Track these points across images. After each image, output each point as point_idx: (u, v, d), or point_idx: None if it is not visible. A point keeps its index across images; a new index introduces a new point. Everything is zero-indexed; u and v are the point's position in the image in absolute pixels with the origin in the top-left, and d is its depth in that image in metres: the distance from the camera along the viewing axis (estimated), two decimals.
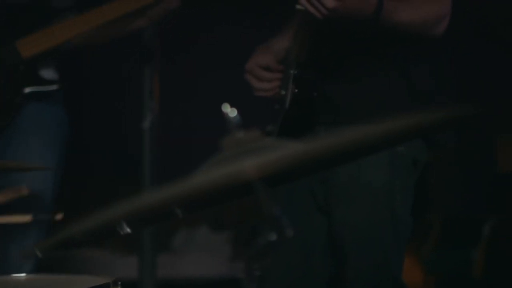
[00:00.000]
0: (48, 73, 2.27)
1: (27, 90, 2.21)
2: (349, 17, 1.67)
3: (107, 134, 3.72)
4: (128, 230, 1.17)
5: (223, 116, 1.11)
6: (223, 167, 1.07)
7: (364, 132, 1.22)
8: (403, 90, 1.83)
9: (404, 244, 1.87)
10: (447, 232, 3.79)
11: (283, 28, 2.02)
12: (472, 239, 3.76)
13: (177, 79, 3.47)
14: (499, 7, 4.37)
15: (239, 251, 3.98)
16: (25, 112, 2.23)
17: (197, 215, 3.68)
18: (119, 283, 1.40)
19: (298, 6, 1.68)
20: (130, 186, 3.13)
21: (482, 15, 4.26)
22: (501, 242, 3.75)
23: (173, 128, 3.44)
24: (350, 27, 1.75)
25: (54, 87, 2.28)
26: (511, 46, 4.47)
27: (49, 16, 2.25)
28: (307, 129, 1.87)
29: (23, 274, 1.56)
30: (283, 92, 1.87)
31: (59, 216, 1.93)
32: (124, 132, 3.43)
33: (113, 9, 2.19)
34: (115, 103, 3.66)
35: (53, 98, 2.29)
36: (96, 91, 3.71)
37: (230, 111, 1.10)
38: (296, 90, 1.85)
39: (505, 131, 4.16)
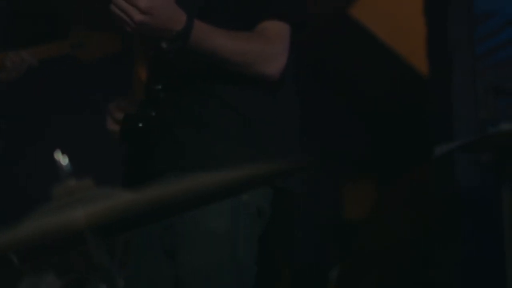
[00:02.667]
0: None
1: None
2: (157, 34, 1.69)
3: None
4: None
5: (55, 163, 1.08)
6: (53, 216, 1.04)
7: (205, 181, 1.23)
8: (247, 138, 1.86)
9: None
10: (295, 280, 3.86)
11: None
12: (320, 287, 3.84)
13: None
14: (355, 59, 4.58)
15: None
16: None
17: (42, 261, 3.54)
18: None
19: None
20: None
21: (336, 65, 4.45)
22: None
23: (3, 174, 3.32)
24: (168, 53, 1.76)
25: None
26: (363, 99, 4.67)
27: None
28: (154, 175, 1.86)
29: None
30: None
31: None
32: None
33: None
34: None
35: None
36: None
37: (62, 159, 1.07)
38: (140, 125, 1.85)
39: (350, 179, 4.33)
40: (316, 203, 3.91)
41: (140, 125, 1.85)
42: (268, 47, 1.80)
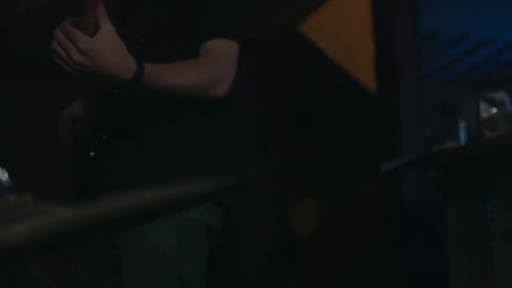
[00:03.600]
0: None
1: None
2: (103, 78, 1.66)
3: None
4: None
5: None
6: None
7: (149, 197, 1.21)
8: (195, 154, 1.85)
9: None
10: None
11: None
12: None
13: None
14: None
15: None
16: None
17: None
18: None
19: None
20: None
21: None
22: None
23: None
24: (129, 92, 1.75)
25: None
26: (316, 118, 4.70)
27: None
28: (101, 191, 1.84)
29: None
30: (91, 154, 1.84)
31: None
32: None
33: None
34: None
35: None
36: None
37: (1, 173, 1.05)
38: (92, 154, 1.83)
39: (299, 194, 4.35)
40: (265, 218, 3.91)
41: (92, 153, 1.83)
42: (216, 70, 1.79)
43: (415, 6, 3.93)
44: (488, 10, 5.13)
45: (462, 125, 3.20)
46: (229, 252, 3.63)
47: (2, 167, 1.04)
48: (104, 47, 1.62)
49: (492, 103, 2.70)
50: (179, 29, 1.85)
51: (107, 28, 1.63)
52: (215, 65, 1.79)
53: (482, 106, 2.71)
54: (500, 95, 2.69)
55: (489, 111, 2.69)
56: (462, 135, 3.18)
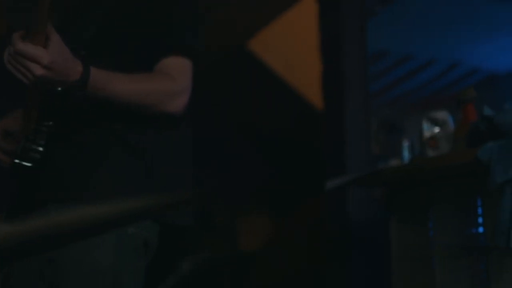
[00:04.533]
0: None
1: None
2: (56, 83, 1.66)
3: None
4: None
5: None
6: None
7: (89, 213, 1.20)
8: (137, 171, 1.84)
9: None
10: None
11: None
12: None
13: None
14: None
15: None
16: None
17: None
18: None
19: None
20: None
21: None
22: None
23: None
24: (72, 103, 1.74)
25: None
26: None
27: None
28: (39, 204, 1.81)
29: None
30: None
31: None
32: None
33: None
34: None
35: None
36: None
37: None
38: (29, 165, 1.80)
39: (246, 211, 4.35)
40: (211, 235, 3.90)
41: (29, 165, 1.80)
42: (171, 85, 1.80)
43: (362, 25, 3.98)
44: (434, 31, 5.24)
45: (406, 143, 3.26)
46: (168, 268, 3.60)
47: None
48: (60, 56, 1.63)
49: (434, 122, 2.75)
50: (134, 47, 1.84)
51: (55, 37, 1.63)
52: (172, 80, 1.80)
53: (425, 125, 2.75)
54: (443, 115, 2.74)
55: (431, 130, 2.74)
56: (406, 154, 3.23)
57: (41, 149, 1.79)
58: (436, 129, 2.74)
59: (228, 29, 4.75)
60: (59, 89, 1.69)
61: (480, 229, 2.43)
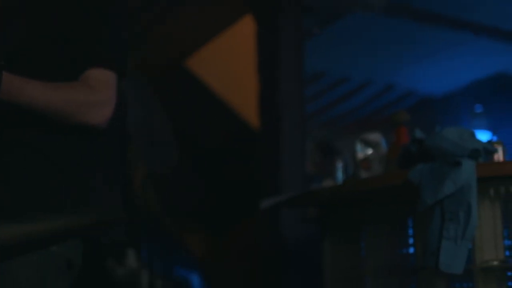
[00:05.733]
0: None
1: None
2: None
3: None
4: None
5: None
6: None
7: (11, 231, 1.17)
8: (59, 188, 1.79)
9: None
10: None
11: None
12: None
13: None
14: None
15: None
16: None
17: None
18: None
19: None
20: None
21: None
22: None
23: None
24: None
25: None
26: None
27: None
28: None
29: None
30: None
31: None
32: None
33: None
34: None
35: None
36: None
37: None
38: None
39: (182, 230, 4.32)
40: (146, 254, 3.85)
41: None
42: (92, 96, 1.77)
43: (299, 46, 4.02)
44: (370, 54, 5.34)
45: (340, 164, 3.29)
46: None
47: None
48: None
49: (368, 144, 2.78)
50: (51, 55, 1.81)
51: None
52: (93, 91, 1.77)
53: (359, 147, 2.79)
54: (376, 137, 2.78)
55: (364, 152, 2.77)
56: (340, 174, 3.26)
57: None
58: (369, 151, 2.77)
59: (167, 47, 4.74)
60: None
61: (411, 250, 2.47)
